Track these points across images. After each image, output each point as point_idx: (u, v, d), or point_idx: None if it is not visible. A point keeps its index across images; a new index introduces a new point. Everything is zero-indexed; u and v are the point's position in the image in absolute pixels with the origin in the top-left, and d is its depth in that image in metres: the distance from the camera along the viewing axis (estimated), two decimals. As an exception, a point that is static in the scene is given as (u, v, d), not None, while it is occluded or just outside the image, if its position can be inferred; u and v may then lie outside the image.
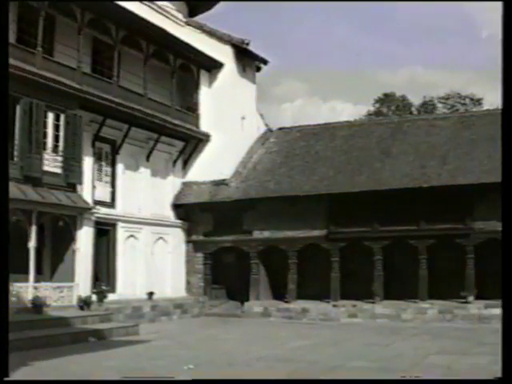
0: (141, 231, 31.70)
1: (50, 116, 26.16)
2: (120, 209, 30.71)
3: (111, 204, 30.35)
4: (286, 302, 32.11)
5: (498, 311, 28.21)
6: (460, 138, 32.49)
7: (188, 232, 34.69)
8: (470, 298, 29.07)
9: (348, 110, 79.28)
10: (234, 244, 33.45)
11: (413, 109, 63.52)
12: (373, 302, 30.53)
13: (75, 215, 26.99)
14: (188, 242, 34.65)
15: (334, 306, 31.01)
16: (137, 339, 22.46)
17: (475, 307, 28.87)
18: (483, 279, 28.76)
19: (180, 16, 35.54)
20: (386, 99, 64.46)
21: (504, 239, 9.16)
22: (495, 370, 16.42)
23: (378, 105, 64.49)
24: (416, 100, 64.51)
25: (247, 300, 32.57)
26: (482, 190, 28.77)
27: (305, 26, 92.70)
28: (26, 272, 24.23)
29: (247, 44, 35.03)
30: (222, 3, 38.30)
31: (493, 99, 65.85)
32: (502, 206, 9.45)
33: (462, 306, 29.19)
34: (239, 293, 33.07)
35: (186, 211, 34.70)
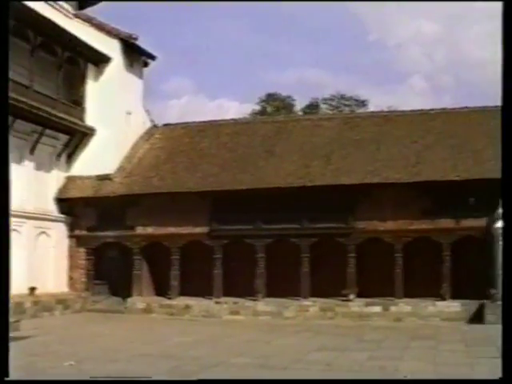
0: (23, 225, 31.02)
1: None
2: (1, 202, 29.90)
3: (-9, 197, 29.54)
4: (169, 298, 32.07)
5: (378, 309, 29.03)
6: (344, 138, 33.06)
7: (71, 227, 34.15)
8: (351, 296, 29.69)
9: (234, 108, 79.72)
10: (118, 239, 33.14)
11: (298, 108, 64.22)
12: (255, 300, 30.80)
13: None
14: (71, 236, 34.10)
15: (217, 302, 31.14)
16: (17, 335, 22.00)
17: (356, 305, 29.53)
18: (364, 278, 29.43)
19: (69, 8, 34.95)
20: (271, 98, 64.98)
21: (504, 239, 9.38)
22: (373, 366, 16.95)
23: (263, 104, 64.93)
24: (302, 100, 65.34)
25: (130, 296, 32.36)
26: (365, 190, 29.49)
27: (194, 24, 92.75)
28: None
29: (135, 39, 34.81)
30: (112, -3, 38.00)
31: (377, 101, 67.31)
32: (502, 205, 9.67)
33: (343, 303, 29.78)
34: (122, 289, 32.81)
35: (70, 206, 34.17)
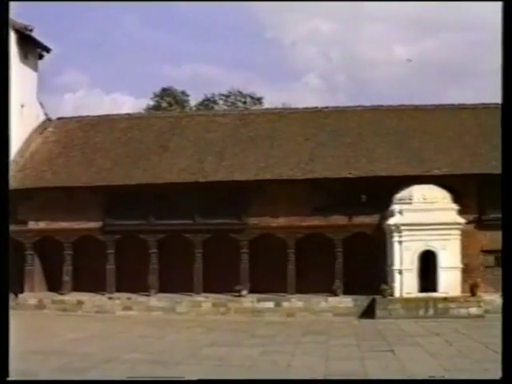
0: None
1: None
2: None
3: None
4: (61, 294, 31.55)
5: (270, 304, 29.22)
6: (238, 134, 33.15)
7: (-41, 221, 33.14)
8: (244, 292, 29.79)
9: (130, 103, 78.89)
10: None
11: (193, 104, 64.07)
12: (148, 295, 30.60)
13: None
14: (-41, 231, 33.12)
15: (110, 298, 30.80)
16: None
17: (248, 301, 29.65)
18: (257, 273, 29.58)
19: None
20: (166, 93, 64.63)
21: (504, 238, 9.42)
22: (265, 361, 17.07)
23: (157, 99, 64.53)
24: (198, 96, 65.20)
25: (22, 292, 31.68)
26: (258, 186, 29.65)
27: (91, 17, 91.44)
28: None
29: (31, 30, 34.01)
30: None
31: (273, 98, 67.71)
32: (502, 205, 9.69)
33: (235, 299, 29.87)
34: (14, 284, 32.04)
35: (-42, 200, 33.17)
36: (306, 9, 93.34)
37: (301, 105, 36.66)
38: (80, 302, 30.86)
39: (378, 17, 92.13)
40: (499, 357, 17.36)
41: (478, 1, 52.69)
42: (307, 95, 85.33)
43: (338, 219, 29.75)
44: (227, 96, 64.54)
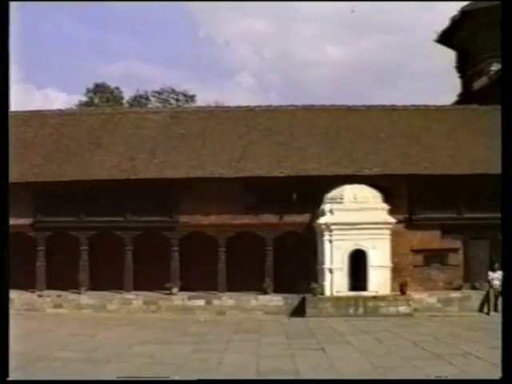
0: None
1: None
2: None
3: None
4: (-12, 291, 30.99)
5: (201, 302, 29.20)
6: (170, 132, 33.04)
7: None
8: (175, 290, 29.70)
9: (62, 99, 78.11)
10: None
11: (126, 101, 63.69)
12: (78, 293, 30.29)
13: None
14: None
15: (39, 296, 30.40)
16: None
17: (179, 298, 29.57)
18: (188, 271, 29.53)
19: None
20: (99, 90, 64.12)
21: (504, 239, 9.39)
22: (196, 359, 17.06)
23: (90, 95, 63.96)
24: (131, 92, 64.86)
25: None
26: (189, 184, 29.59)
27: (23, 12, 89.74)
28: None
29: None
30: None
31: (206, 96, 67.68)
32: (502, 205, 9.65)
33: (166, 297, 29.76)
34: None
35: None
36: (240, 8, 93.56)
37: (233, 103, 36.90)
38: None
39: (312, 17, 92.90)
40: (427, 354, 17.76)
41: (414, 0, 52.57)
42: (240, 94, 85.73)
43: (269, 218, 29.87)
44: (160, 93, 64.40)
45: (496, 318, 26.86)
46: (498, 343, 19.48)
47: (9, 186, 9.98)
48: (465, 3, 50.66)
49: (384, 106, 35.17)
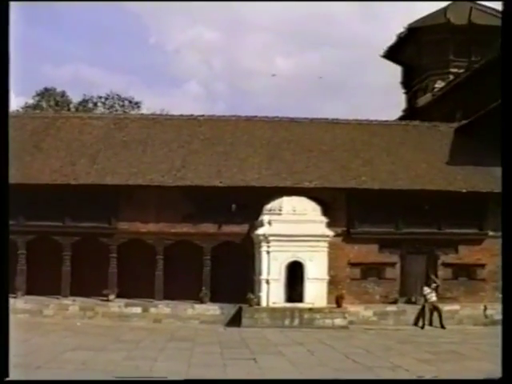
0: None
1: None
2: None
3: None
4: None
5: (138, 310, 29.09)
6: (112, 138, 32.90)
7: None
8: (112, 297, 29.55)
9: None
10: None
11: (73, 106, 63.21)
12: (14, 297, 29.92)
13: None
14: None
15: (-27, 300, 29.99)
16: None
17: (116, 305, 29.41)
18: (126, 278, 29.40)
19: None
20: (47, 93, 63.55)
21: (504, 241, 9.41)
22: (128, 366, 17.05)
23: (38, 98, 63.35)
24: (79, 97, 64.37)
25: None
26: (129, 191, 29.54)
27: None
28: None
29: None
30: None
31: (153, 104, 67.58)
32: (502, 206, 9.67)
33: (103, 303, 29.57)
34: None
35: None
36: (190, 15, 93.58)
37: (181, 112, 36.72)
38: None
39: (260, 28, 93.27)
40: (358, 366, 17.99)
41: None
42: (187, 102, 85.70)
43: (208, 227, 29.92)
44: (106, 99, 64.05)
45: (430, 332, 27.32)
46: (429, 356, 19.88)
47: (8, 193, 9.95)
48: (412, 20, 51.39)
49: (327, 119, 35.47)
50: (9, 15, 10.00)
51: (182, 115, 35.59)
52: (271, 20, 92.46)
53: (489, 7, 51.93)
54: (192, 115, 35.18)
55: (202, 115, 35.33)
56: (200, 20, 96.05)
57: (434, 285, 29.46)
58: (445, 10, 51.56)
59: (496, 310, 29.61)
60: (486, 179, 30.67)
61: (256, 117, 35.19)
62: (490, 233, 30.75)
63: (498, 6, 52.55)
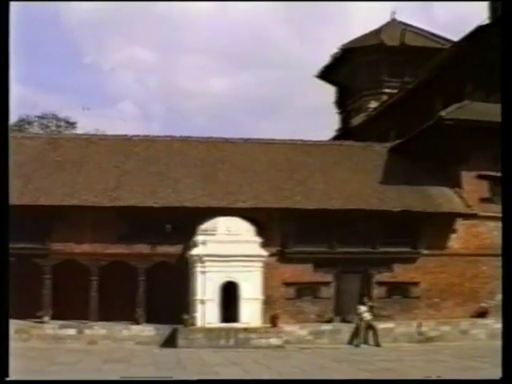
0: None
1: None
2: None
3: None
4: None
5: (73, 331, 28.73)
6: (46, 158, 32.60)
7: None
8: (46, 318, 29.14)
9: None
10: None
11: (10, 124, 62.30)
12: None
13: None
14: None
15: None
16: None
17: (51, 327, 28.98)
18: (60, 300, 29.01)
19: None
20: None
21: (504, 243, 9.39)
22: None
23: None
24: (13, 117, 63.52)
25: None
26: (63, 212, 29.29)
27: None
28: None
29: None
30: None
31: (85, 123, 67.25)
32: (502, 208, 9.64)
33: (37, 325, 29.11)
34: None
35: None
36: (127, 35, 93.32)
37: (115, 132, 36.55)
38: None
39: (196, 48, 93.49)
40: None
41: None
42: (122, 122, 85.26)
43: (142, 248, 29.83)
44: (42, 118, 63.40)
45: (366, 350, 27.55)
46: (365, 374, 20.06)
47: (8, 203, 9.87)
48: (347, 41, 52.07)
49: (261, 139, 35.72)
50: (9, 15, 9.94)
51: (116, 135, 35.52)
52: (206, 40, 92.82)
53: (421, 29, 53.01)
54: (126, 135, 35.11)
55: (137, 135, 35.28)
56: (135, 39, 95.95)
57: (369, 304, 29.78)
58: (378, 31, 52.42)
59: (430, 327, 30.10)
60: (420, 198, 31.24)
61: (191, 137, 35.27)
62: (424, 251, 31.27)
63: (431, 28, 53.79)
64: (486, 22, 37.16)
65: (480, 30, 36.49)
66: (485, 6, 40.04)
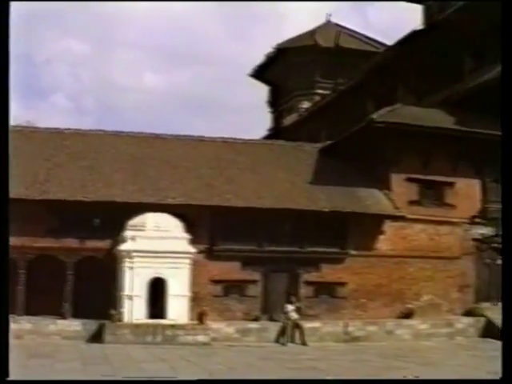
0: None
1: None
2: None
3: None
4: None
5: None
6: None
7: None
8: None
9: None
10: None
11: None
12: None
13: None
14: None
15: None
16: None
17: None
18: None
19: None
20: None
21: (504, 243, 9.38)
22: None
23: None
24: None
25: None
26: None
27: None
28: None
29: None
30: None
31: (16, 115, 66.30)
32: (502, 209, 9.63)
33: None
34: None
35: None
36: (63, 26, 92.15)
37: (48, 125, 36.04)
38: None
39: (130, 43, 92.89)
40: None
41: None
42: (55, 115, 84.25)
43: (71, 242, 29.51)
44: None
45: (292, 348, 27.79)
46: (290, 373, 20.31)
47: (9, 203, 9.72)
48: (281, 40, 52.33)
49: (192, 136, 35.74)
50: (9, 15, 9.82)
51: (47, 128, 35.01)
52: (142, 37, 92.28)
53: (356, 32, 53.68)
54: (58, 128, 34.71)
55: (68, 128, 34.93)
56: (71, 31, 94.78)
57: (296, 304, 30.03)
58: (313, 32, 52.88)
59: (356, 327, 30.49)
60: (349, 199, 31.62)
61: (122, 132, 35.11)
62: (352, 252, 31.68)
63: (366, 31, 54.52)
64: (420, 27, 37.83)
65: (414, 35, 37.14)
66: (419, 11, 40.75)
